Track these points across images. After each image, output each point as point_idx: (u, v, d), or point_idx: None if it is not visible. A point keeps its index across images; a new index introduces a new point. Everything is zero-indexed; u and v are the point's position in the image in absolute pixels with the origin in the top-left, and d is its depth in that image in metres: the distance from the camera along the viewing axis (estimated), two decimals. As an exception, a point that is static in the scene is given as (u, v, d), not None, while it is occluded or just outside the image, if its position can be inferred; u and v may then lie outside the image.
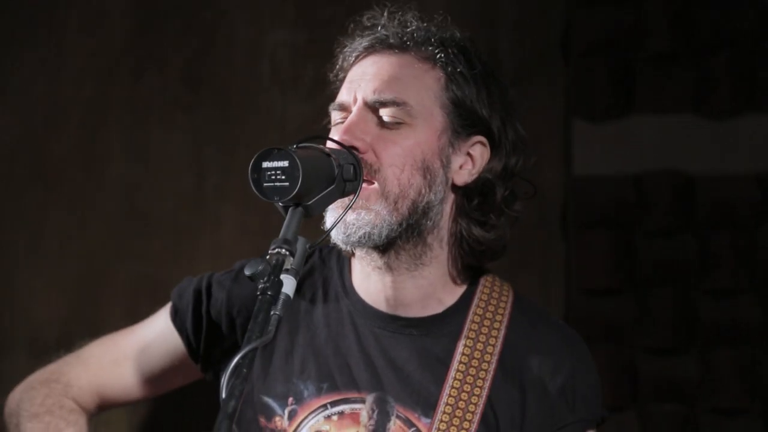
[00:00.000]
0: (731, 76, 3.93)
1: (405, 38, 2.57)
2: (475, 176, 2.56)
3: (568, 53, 3.99)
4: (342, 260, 2.67)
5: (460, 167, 2.55)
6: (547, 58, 3.94)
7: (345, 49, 2.62)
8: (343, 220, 2.46)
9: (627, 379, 3.94)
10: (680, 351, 3.94)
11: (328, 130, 2.56)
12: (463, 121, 2.55)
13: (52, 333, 3.78)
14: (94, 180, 3.89)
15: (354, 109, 2.51)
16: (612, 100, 3.98)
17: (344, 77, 2.59)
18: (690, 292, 3.95)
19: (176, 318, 2.72)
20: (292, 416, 2.60)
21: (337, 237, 2.50)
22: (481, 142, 2.56)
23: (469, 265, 2.62)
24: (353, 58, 2.59)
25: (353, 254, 2.63)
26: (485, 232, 2.57)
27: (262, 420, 2.61)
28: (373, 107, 2.51)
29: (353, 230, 2.48)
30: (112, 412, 3.00)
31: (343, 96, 2.55)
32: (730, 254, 3.93)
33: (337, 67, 2.64)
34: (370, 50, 2.58)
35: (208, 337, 2.69)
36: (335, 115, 2.56)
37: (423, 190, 2.51)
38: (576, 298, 3.96)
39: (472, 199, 2.57)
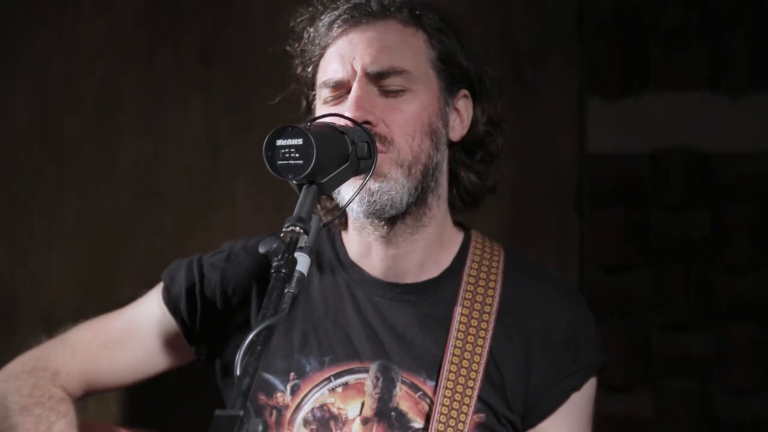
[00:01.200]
0: (747, 53, 3.91)
1: (385, 4, 2.57)
2: (466, 129, 2.60)
3: (582, 31, 3.98)
4: (332, 235, 2.68)
5: (454, 123, 2.59)
6: (562, 35, 3.93)
7: (318, 22, 2.60)
8: (366, 190, 2.47)
9: (641, 356, 3.94)
10: (695, 327, 3.93)
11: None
12: (451, 77, 2.58)
13: (67, 309, 3.79)
14: (109, 157, 3.90)
15: (355, 84, 2.51)
16: (627, 77, 3.96)
17: (322, 52, 2.58)
18: (705, 268, 3.94)
19: (170, 301, 2.71)
20: (294, 391, 2.61)
21: (359, 208, 2.51)
22: (465, 95, 2.61)
23: (458, 222, 2.67)
24: (333, 31, 2.57)
25: (345, 228, 2.64)
26: (482, 181, 2.62)
27: (262, 397, 2.62)
28: (373, 78, 2.51)
29: (378, 197, 2.50)
30: (110, 392, 3.00)
31: (338, 72, 2.53)
32: (746, 230, 3.92)
33: (305, 41, 2.62)
34: (351, 21, 2.56)
35: (203, 320, 2.69)
36: (326, 93, 2.55)
37: (431, 153, 2.54)
38: (590, 275, 3.96)
39: (472, 152, 2.61)
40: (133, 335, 2.74)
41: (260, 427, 1.81)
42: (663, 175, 3.95)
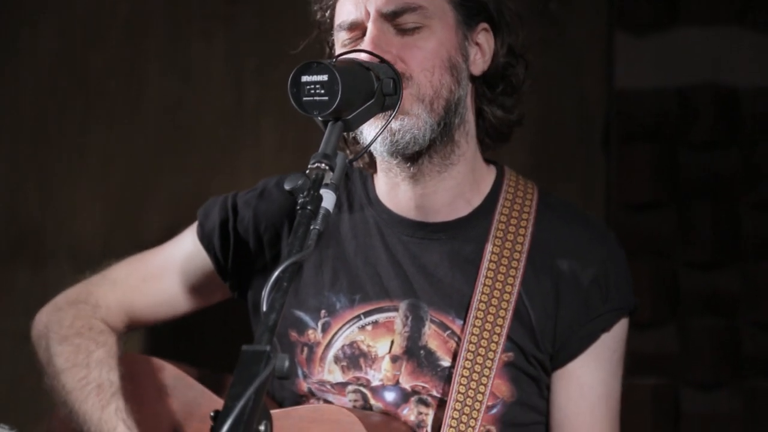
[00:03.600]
0: (778, -14, 3.87)
1: None
2: (488, 63, 2.59)
3: (611, -36, 3.94)
4: (364, 174, 2.69)
5: (474, 57, 2.57)
6: (590, -31, 3.89)
7: None
8: (388, 130, 2.46)
9: (668, 293, 3.94)
10: (722, 265, 3.92)
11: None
12: (468, 11, 2.56)
13: (94, 245, 3.81)
14: (135, 95, 3.90)
15: (370, 24, 2.49)
16: (656, 11, 3.92)
17: None
18: (733, 205, 3.92)
19: (203, 237, 2.74)
20: (325, 328, 2.62)
21: (382, 147, 2.50)
22: (485, 29, 2.59)
23: (491, 160, 2.66)
24: None
25: (375, 171, 2.64)
26: (508, 114, 2.61)
27: (293, 334, 2.64)
28: (388, 17, 2.49)
29: (400, 136, 2.49)
30: (152, 326, 3.03)
31: (352, 14, 2.52)
32: (775, 167, 3.90)
33: None
34: None
35: (236, 255, 2.71)
36: (342, 35, 2.54)
37: (453, 88, 2.52)
38: (617, 212, 3.95)
39: (493, 85, 2.60)
40: (170, 271, 2.77)
41: (286, 363, 1.81)
42: (691, 112, 3.92)
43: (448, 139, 2.56)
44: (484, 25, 2.58)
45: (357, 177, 2.70)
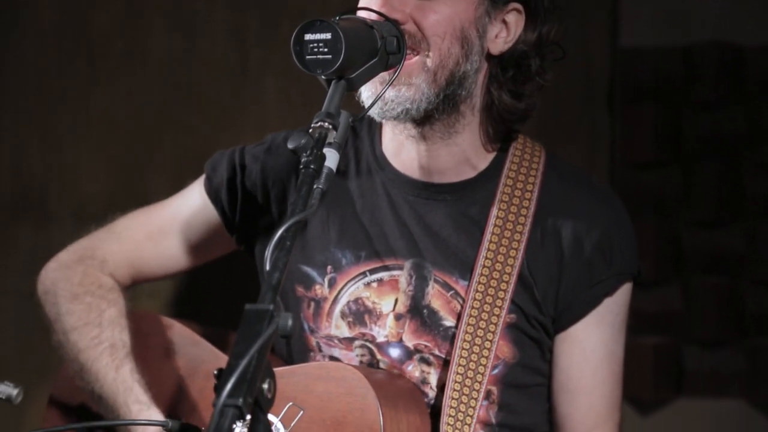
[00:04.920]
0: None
1: None
2: (510, 45, 2.55)
3: None
4: (373, 129, 2.68)
5: (496, 36, 2.54)
6: (595, -73, 3.87)
7: None
8: (382, 97, 2.45)
9: (672, 253, 3.94)
10: (726, 224, 3.93)
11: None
12: None
13: (98, 204, 3.81)
14: (138, 52, 3.89)
15: None
16: (659, -30, 3.91)
17: None
18: (736, 165, 3.92)
19: (211, 190, 2.74)
20: (332, 284, 2.63)
21: (374, 111, 2.49)
22: (517, 10, 2.54)
23: (500, 130, 2.62)
24: None
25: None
26: (516, 101, 2.57)
27: (300, 289, 2.64)
28: None
29: (391, 107, 2.48)
30: (159, 284, 3.04)
31: None
32: (780, 126, 3.90)
33: None
34: None
35: (243, 209, 2.71)
36: None
37: (460, 60, 2.50)
38: (621, 172, 3.95)
39: (506, 69, 2.56)
40: (177, 225, 2.77)
41: (289, 321, 1.81)
42: (696, 70, 3.91)
43: (452, 110, 2.54)
44: (517, 5, 2.53)
45: (365, 134, 2.69)
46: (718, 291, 3.92)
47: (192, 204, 2.76)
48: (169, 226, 2.78)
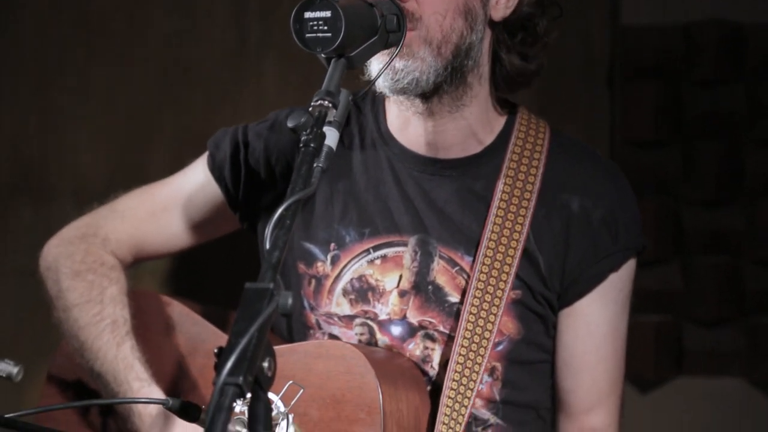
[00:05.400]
0: None
1: None
2: (511, 9, 2.54)
3: None
4: (376, 106, 2.67)
5: (497, 2, 2.53)
6: None
7: None
8: (391, 68, 2.45)
9: (672, 231, 3.94)
10: (725, 203, 3.92)
11: None
12: None
13: (97, 183, 3.81)
14: (138, 32, 3.88)
15: None
16: (660, -53, 3.90)
17: None
18: (738, 142, 3.92)
19: (214, 168, 2.74)
20: (334, 261, 2.63)
21: (383, 85, 2.48)
22: None
23: (504, 100, 2.63)
24: None
25: (388, 96, 2.62)
26: (527, 63, 2.57)
27: (302, 266, 2.64)
28: None
29: (402, 76, 2.47)
30: (160, 262, 3.04)
31: None
32: (781, 104, 3.90)
33: None
34: None
35: (246, 187, 2.71)
36: None
37: (465, 32, 2.50)
38: (621, 150, 3.95)
39: (513, 33, 2.56)
40: (179, 202, 2.77)
41: (289, 300, 1.81)
42: (697, 48, 3.90)
43: (460, 82, 2.54)
44: None
45: (369, 110, 2.68)
46: (718, 270, 3.92)
47: (195, 181, 2.76)
48: (172, 203, 2.77)
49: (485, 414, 2.61)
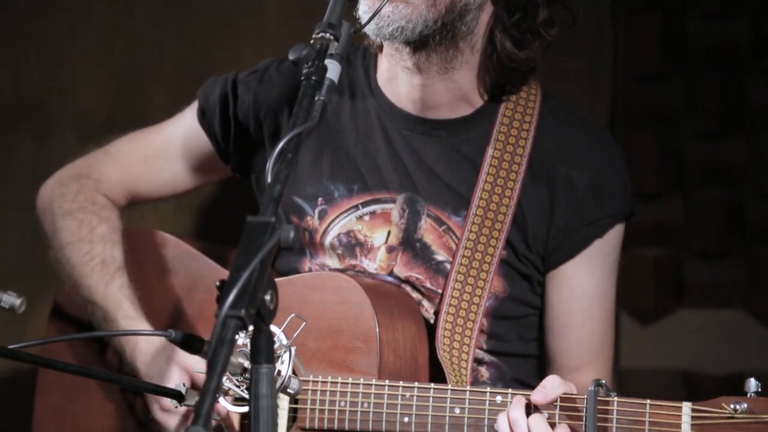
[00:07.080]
0: None
1: None
2: None
3: None
4: (368, 59, 2.66)
5: None
6: None
7: None
8: (380, 14, 2.43)
9: (673, 165, 3.94)
10: (728, 136, 3.92)
11: None
12: None
13: (98, 115, 3.79)
14: (138, -36, 3.85)
15: None
16: None
17: None
18: (739, 75, 3.91)
19: (204, 120, 2.74)
20: (322, 216, 2.64)
21: (369, 28, 2.47)
22: None
23: (498, 77, 2.60)
24: None
25: (381, 51, 2.61)
26: (518, 49, 2.55)
27: (294, 219, 2.65)
28: None
29: (387, 23, 2.46)
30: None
31: None
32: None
33: None
34: None
35: (236, 139, 2.71)
36: None
37: None
38: (624, 83, 3.93)
39: (512, 12, 2.55)
40: (170, 151, 2.78)
41: (291, 233, 1.81)
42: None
43: (451, 44, 2.53)
44: None
45: (359, 63, 2.68)
46: (719, 202, 3.92)
47: (186, 131, 2.77)
48: (164, 150, 2.79)
49: (479, 353, 2.64)
